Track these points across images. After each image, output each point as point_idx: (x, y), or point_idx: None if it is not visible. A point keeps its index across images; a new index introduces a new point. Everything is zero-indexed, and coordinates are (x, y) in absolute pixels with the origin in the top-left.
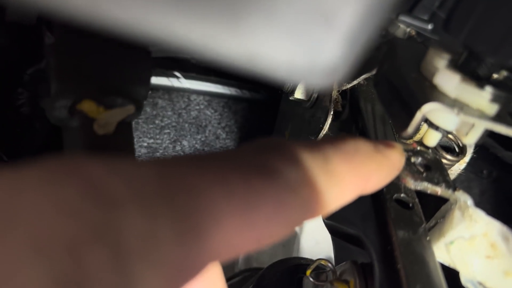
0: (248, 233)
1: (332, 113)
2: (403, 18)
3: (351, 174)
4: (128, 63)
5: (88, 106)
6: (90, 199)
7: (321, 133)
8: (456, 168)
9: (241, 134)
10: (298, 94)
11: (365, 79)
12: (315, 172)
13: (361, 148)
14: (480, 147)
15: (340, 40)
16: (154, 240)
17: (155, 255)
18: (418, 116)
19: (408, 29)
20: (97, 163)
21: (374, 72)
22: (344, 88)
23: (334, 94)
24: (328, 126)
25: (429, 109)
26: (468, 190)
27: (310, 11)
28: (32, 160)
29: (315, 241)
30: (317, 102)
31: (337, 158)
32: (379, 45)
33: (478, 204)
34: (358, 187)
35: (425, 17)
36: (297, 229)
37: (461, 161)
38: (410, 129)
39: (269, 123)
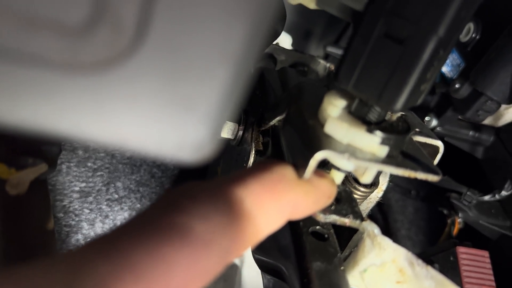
0: None
1: (254, 152)
2: (329, 49)
3: (275, 201)
4: None
5: None
6: None
7: None
8: (374, 196)
9: (177, 172)
10: (224, 133)
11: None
12: (231, 212)
13: (286, 175)
14: None
15: (202, 121)
16: None
17: None
18: (312, 163)
19: (328, 65)
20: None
21: (285, 115)
22: (263, 128)
23: (255, 134)
24: (251, 164)
25: (321, 156)
26: (403, 209)
27: (170, 101)
28: None
29: (256, 272)
30: (242, 140)
31: (259, 188)
32: (291, 88)
33: (413, 221)
34: (284, 214)
35: None
36: (238, 261)
37: (378, 189)
38: (306, 174)
39: None
